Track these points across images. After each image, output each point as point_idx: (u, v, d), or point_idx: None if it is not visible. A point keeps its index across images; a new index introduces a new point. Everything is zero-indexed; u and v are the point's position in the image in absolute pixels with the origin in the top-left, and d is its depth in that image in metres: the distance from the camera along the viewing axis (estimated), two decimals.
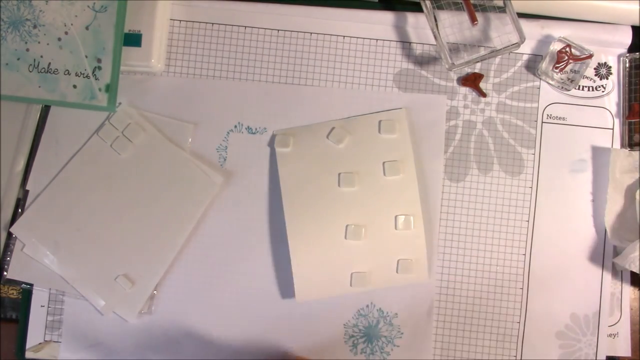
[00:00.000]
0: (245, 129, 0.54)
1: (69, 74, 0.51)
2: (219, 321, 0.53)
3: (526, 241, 0.53)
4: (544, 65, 0.53)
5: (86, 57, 0.50)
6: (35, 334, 0.53)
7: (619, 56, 0.54)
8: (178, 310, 0.53)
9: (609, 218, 0.52)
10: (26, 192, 0.54)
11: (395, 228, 0.52)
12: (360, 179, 0.52)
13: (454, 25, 0.53)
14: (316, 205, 0.52)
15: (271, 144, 0.54)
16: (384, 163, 0.52)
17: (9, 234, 0.53)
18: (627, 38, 0.54)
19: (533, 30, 0.54)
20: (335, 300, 0.53)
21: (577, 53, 0.53)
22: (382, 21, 0.54)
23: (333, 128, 0.53)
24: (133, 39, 0.52)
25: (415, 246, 0.52)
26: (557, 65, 0.53)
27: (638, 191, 0.52)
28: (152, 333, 0.53)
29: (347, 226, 0.52)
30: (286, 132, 0.54)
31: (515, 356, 0.53)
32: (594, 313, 0.53)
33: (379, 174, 0.52)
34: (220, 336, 0.53)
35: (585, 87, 0.54)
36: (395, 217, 0.52)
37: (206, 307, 0.53)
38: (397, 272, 0.52)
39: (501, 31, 0.52)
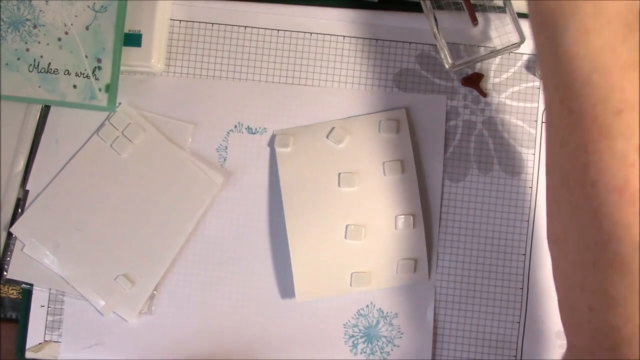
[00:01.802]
0: (245, 129, 0.54)
1: (69, 74, 0.51)
2: (218, 321, 0.53)
3: (526, 241, 0.53)
4: None
5: (86, 57, 0.50)
6: (35, 334, 0.53)
7: None
8: (178, 310, 0.53)
9: None
10: (26, 192, 0.54)
11: (396, 228, 0.52)
12: (360, 178, 0.52)
13: (454, 25, 0.53)
14: (316, 205, 0.52)
15: (271, 144, 0.54)
16: (384, 163, 0.52)
17: (9, 234, 0.53)
18: None
19: None
20: (335, 300, 0.53)
21: None
22: (382, 21, 0.54)
23: (333, 128, 0.53)
24: (133, 39, 0.52)
25: (416, 246, 0.52)
26: None
27: None
28: (152, 333, 0.53)
29: (347, 226, 0.52)
30: (286, 132, 0.54)
31: (515, 356, 0.53)
32: None
33: (379, 174, 0.53)
34: (220, 336, 0.53)
35: None
36: (396, 217, 0.52)
37: (206, 307, 0.53)
38: (397, 272, 0.52)
39: (501, 31, 0.52)
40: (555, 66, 0.34)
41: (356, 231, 0.52)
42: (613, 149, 0.32)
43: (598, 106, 0.32)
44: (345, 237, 0.52)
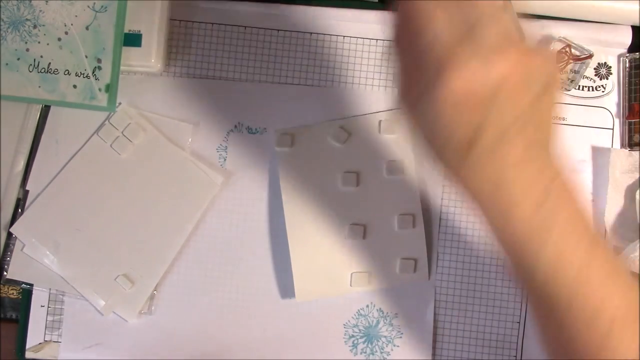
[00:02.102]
0: (245, 129, 0.54)
1: (69, 74, 0.51)
2: (218, 321, 0.53)
3: None
4: None
5: (86, 57, 0.50)
6: (35, 334, 0.53)
7: (619, 56, 0.54)
8: (178, 310, 0.53)
9: (609, 218, 0.52)
10: (26, 192, 0.54)
11: (396, 228, 0.52)
12: (360, 178, 0.52)
13: None
14: (316, 204, 0.52)
15: (271, 143, 0.54)
16: (384, 163, 0.52)
17: (9, 234, 0.53)
18: (627, 38, 0.54)
19: (533, 30, 0.54)
20: (335, 300, 0.53)
21: (577, 53, 0.53)
22: (382, 21, 0.54)
23: (333, 128, 0.53)
24: (133, 39, 0.52)
25: (416, 246, 0.52)
26: (557, 65, 0.53)
27: (638, 191, 0.52)
28: (152, 333, 0.53)
29: (347, 226, 0.52)
30: (287, 132, 0.54)
31: (515, 356, 0.53)
32: None
33: (380, 174, 0.52)
34: (220, 336, 0.53)
35: (585, 87, 0.54)
36: (396, 217, 0.52)
37: (206, 307, 0.53)
38: (397, 272, 0.52)
39: None
40: (536, 297, 0.34)
41: (356, 231, 0.52)
42: None
43: (587, 329, 0.32)
44: (346, 237, 0.52)
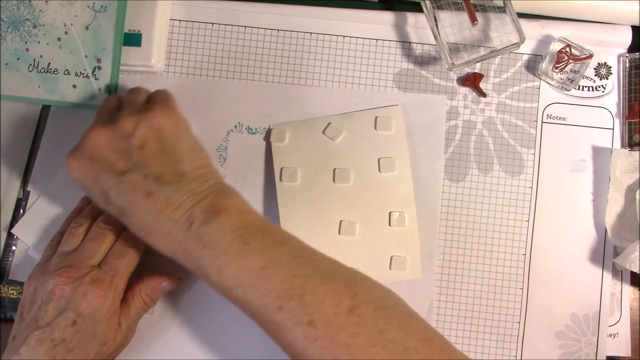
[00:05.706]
0: (245, 129, 0.54)
1: (68, 74, 0.51)
2: (219, 321, 0.53)
3: (526, 241, 0.53)
4: (544, 65, 0.53)
5: (86, 57, 0.50)
6: None
7: (619, 56, 0.54)
8: (178, 310, 0.53)
9: (610, 218, 0.52)
10: (27, 193, 0.54)
11: (389, 224, 0.52)
12: (355, 174, 0.52)
13: (454, 25, 0.53)
14: (310, 200, 0.52)
15: (267, 138, 0.54)
16: (379, 159, 0.52)
17: (10, 234, 0.53)
18: (627, 38, 0.54)
19: (533, 30, 0.54)
20: None
21: (577, 53, 0.53)
22: (382, 21, 0.54)
23: (329, 123, 0.53)
24: (133, 39, 0.52)
25: (409, 243, 0.52)
26: (557, 65, 0.53)
27: (638, 191, 0.52)
28: (152, 333, 0.53)
29: (340, 222, 0.52)
30: (282, 127, 0.54)
31: (515, 356, 0.53)
32: (594, 313, 0.53)
33: (374, 170, 0.52)
34: (221, 336, 0.53)
35: (585, 87, 0.54)
36: (389, 213, 0.52)
37: (206, 307, 0.53)
38: (390, 268, 0.52)
39: (501, 31, 0.52)
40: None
41: (349, 227, 0.52)
42: None
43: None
44: (339, 233, 0.52)
